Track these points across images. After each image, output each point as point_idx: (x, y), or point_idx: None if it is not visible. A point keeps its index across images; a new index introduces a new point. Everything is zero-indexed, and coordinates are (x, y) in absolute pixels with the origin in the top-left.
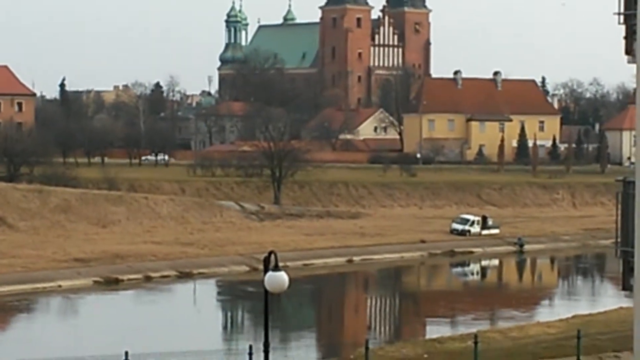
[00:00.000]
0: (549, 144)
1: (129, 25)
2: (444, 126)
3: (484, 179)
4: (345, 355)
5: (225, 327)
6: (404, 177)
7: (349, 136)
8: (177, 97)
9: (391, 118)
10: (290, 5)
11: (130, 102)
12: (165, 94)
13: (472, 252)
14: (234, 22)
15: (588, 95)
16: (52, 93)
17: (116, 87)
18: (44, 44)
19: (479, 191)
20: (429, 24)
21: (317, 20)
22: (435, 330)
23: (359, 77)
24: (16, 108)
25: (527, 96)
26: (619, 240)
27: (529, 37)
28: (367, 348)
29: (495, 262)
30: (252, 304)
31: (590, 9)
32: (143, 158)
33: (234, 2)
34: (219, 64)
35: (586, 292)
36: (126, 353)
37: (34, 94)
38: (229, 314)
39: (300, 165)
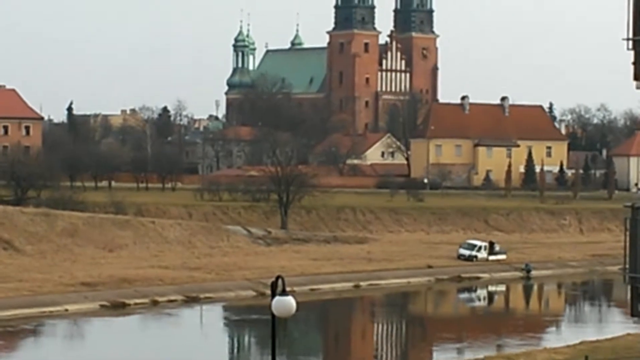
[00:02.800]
0: (556, 169)
1: (137, 49)
2: (451, 151)
3: (491, 204)
4: None
5: (232, 352)
6: (411, 202)
7: (356, 161)
8: (185, 121)
9: (398, 143)
10: (297, 30)
11: (137, 126)
12: (172, 118)
13: (479, 278)
14: (241, 47)
15: (595, 121)
16: (60, 117)
17: (123, 111)
18: (52, 68)
19: (486, 217)
20: (436, 49)
21: (325, 45)
22: (442, 356)
23: (367, 102)
24: (24, 132)
25: (535, 122)
26: (627, 266)
27: (536, 62)
28: None
29: (503, 287)
30: (259, 328)
31: (598, 34)
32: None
33: (241, 27)
34: (226, 88)
35: (593, 319)
36: None
37: (42, 118)
38: (235, 339)
39: (307, 190)
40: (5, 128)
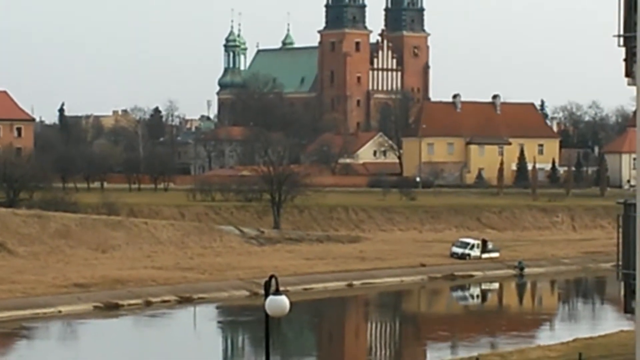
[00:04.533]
0: (548, 167)
1: (128, 50)
2: (443, 150)
3: (484, 202)
4: None
5: (225, 352)
6: (403, 201)
7: (348, 160)
8: (176, 121)
9: (390, 142)
10: (288, 30)
11: (129, 127)
12: (164, 119)
13: (472, 276)
14: (232, 47)
15: (587, 118)
16: (52, 118)
17: (115, 112)
18: (43, 69)
19: (479, 215)
20: (427, 47)
21: (316, 44)
22: (436, 354)
23: (358, 101)
24: (15, 133)
25: (526, 119)
26: (620, 263)
27: (528, 60)
28: None
29: (496, 285)
30: (252, 328)
31: (589, 31)
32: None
33: (232, 27)
34: (217, 88)
35: (587, 316)
36: None
37: (33, 119)
38: (229, 339)
39: (299, 189)
40: None
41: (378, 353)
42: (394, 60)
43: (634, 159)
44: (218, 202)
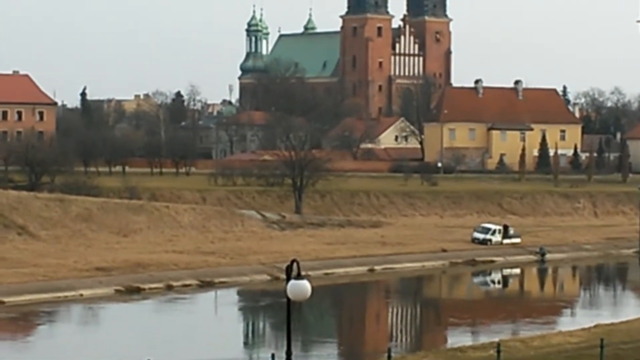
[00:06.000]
0: (570, 153)
1: (150, 35)
2: (464, 135)
3: (505, 188)
4: None
5: (246, 336)
6: (425, 186)
7: (369, 145)
8: (198, 106)
9: (412, 127)
10: (310, 15)
11: (151, 111)
12: (186, 103)
13: (493, 261)
14: (254, 32)
15: (609, 104)
16: (73, 102)
17: (137, 96)
18: (65, 54)
19: (500, 200)
20: (449, 32)
21: (338, 29)
22: (457, 339)
23: (380, 87)
24: (37, 117)
25: (548, 105)
26: None
27: (550, 45)
28: (389, 357)
29: (517, 271)
30: (273, 313)
31: (612, 17)
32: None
33: (254, 12)
34: (239, 73)
35: (608, 302)
36: None
37: (55, 103)
38: (250, 323)
39: (321, 174)
40: (19, 114)
41: (399, 337)
42: (416, 46)
43: None
44: (239, 186)
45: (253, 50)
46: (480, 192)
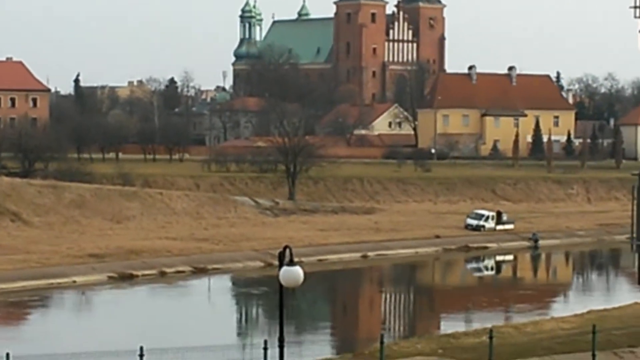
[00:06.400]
0: (563, 139)
1: (143, 21)
2: (458, 121)
3: (499, 174)
4: (360, 351)
5: (240, 322)
6: (418, 173)
7: (363, 131)
8: (192, 92)
9: (405, 113)
10: (304, 1)
11: (144, 97)
12: (179, 90)
13: (486, 248)
14: (248, 18)
15: (603, 90)
16: (67, 89)
17: (130, 83)
18: (59, 40)
19: (494, 186)
20: (443, 19)
21: (332, 15)
22: (450, 325)
23: (374, 73)
24: (31, 104)
25: (542, 91)
26: (634, 235)
27: (543, 32)
28: (382, 343)
29: (510, 257)
30: (266, 299)
31: (605, 2)
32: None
33: None
34: (233, 59)
35: (601, 288)
36: (141, 348)
37: (49, 90)
38: (243, 309)
39: (314, 160)
40: (13, 100)
41: (392, 324)
42: (410, 32)
43: None
44: (233, 173)
45: (247, 36)
46: (473, 178)
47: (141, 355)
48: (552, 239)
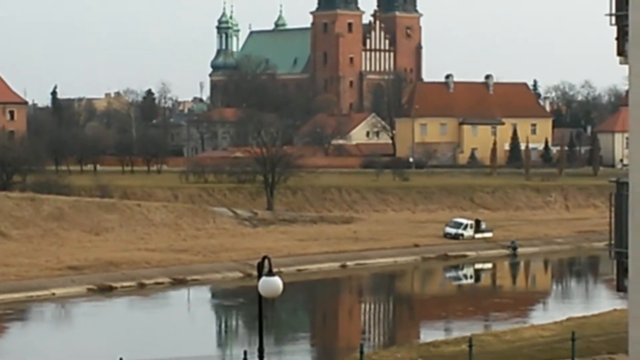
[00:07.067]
0: (541, 147)
1: (120, 33)
2: (436, 130)
3: (477, 182)
4: None
5: (219, 333)
6: (396, 182)
7: (341, 141)
8: (169, 103)
9: (383, 123)
10: (281, 11)
11: (122, 109)
12: (157, 101)
13: (465, 256)
14: (225, 28)
15: (580, 97)
16: (44, 101)
17: (108, 95)
18: (36, 52)
19: (472, 195)
20: (420, 28)
21: (308, 25)
22: (430, 334)
23: (351, 82)
24: (8, 116)
25: (519, 99)
26: (612, 242)
27: (520, 40)
28: (361, 353)
29: (489, 265)
30: (246, 310)
31: (581, 10)
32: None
33: (225, 8)
34: (210, 70)
35: (580, 295)
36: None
37: (26, 102)
38: (223, 320)
39: (292, 170)
40: None
41: (372, 333)
42: (387, 41)
43: (627, 138)
44: (211, 183)
45: (224, 47)
46: (451, 186)
47: None
48: (531, 247)
